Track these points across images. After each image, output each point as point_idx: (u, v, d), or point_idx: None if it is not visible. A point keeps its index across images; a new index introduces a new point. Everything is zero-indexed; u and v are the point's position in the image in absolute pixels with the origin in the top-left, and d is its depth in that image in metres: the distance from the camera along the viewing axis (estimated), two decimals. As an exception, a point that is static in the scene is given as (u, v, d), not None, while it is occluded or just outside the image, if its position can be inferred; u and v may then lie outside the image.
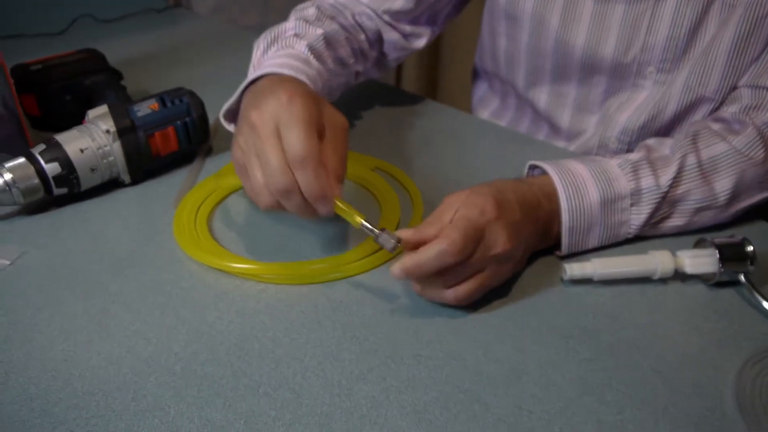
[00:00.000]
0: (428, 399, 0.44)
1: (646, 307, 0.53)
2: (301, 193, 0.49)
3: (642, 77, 0.71)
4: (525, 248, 0.54)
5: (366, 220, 0.51)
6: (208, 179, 0.67)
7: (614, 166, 0.57)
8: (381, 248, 0.53)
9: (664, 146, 0.60)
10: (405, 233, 0.50)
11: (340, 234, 0.61)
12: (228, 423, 0.42)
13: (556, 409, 0.44)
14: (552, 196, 0.56)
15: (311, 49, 0.66)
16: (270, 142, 0.49)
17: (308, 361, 0.47)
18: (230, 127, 0.65)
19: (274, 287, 0.54)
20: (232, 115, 0.65)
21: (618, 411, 0.44)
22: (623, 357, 0.48)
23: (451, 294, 0.50)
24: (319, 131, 0.50)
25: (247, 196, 0.54)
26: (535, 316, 0.52)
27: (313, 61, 0.65)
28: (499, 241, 0.50)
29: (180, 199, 0.64)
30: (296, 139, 0.48)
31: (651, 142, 0.63)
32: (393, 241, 0.50)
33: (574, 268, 0.54)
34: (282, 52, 0.65)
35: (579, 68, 0.73)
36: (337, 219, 0.53)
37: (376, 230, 0.51)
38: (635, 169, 0.57)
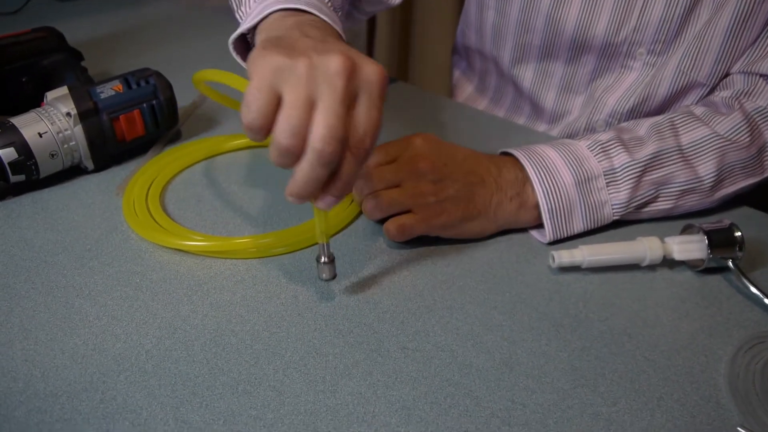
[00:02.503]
0: (417, 394, 0.42)
1: (635, 294, 0.52)
2: (325, 161, 0.40)
3: (632, 58, 0.69)
4: (467, 201, 0.54)
5: (328, 244, 0.49)
6: (160, 155, 0.65)
7: (583, 147, 0.57)
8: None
9: (639, 127, 0.60)
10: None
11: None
12: (206, 424, 0.40)
13: (549, 401, 0.42)
14: (522, 170, 0.56)
15: None
16: (345, 98, 0.40)
17: (290, 356, 0.45)
18: (242, 62, 0.56)
19: (250, 279, 0.51)
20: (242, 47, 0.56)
21: (613, 402, 0.42)
22: (615, 345, 0.47)
23: (389, 224, 0.53)
24: None
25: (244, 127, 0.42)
26: (523, 305, 0.50)
27: (328, 10, 0.53)
28: (419, 153, 0.53)
29: (125, 186, 0.60)
30: (378, 114, 0.41)
31: (624, 123, 0.62)
32: (329, 276, 0.51)
33: (562, 256, 0.52)
34: None
35: (568, 46, 0.71)
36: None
37: (325, 257, 0.49)
38: (605, 149, 0.56)
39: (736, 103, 0.60)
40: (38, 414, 0.40)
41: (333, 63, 0.39)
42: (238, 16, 0.58)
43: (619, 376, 0.44)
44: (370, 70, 0.41)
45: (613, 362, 0.45)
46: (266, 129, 0.40)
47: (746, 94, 0.61)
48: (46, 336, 0.45)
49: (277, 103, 0.40)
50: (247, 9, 0.54)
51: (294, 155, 0.40)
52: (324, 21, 0.49)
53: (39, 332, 0.46)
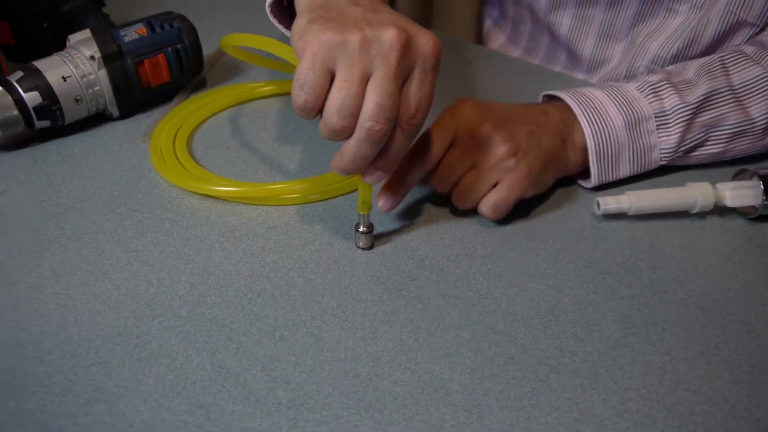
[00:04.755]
0: (461, 341, 0.41)
1: (684, 242, 0.49)
2: (373, 140, 0.39)
3: (677, 1, 0.65)
4: (538, 149, 0.50)
5: (368, 215, 0.47)
6: (186, 102, 0.63)
7: (632, 89, 0.54)
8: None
9: (687, 70, 0.56)
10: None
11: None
12: (243, 369, 0.38)
13: (599, 350, 0.41)
14: (568, 111, 0.53)
15: None
16: (398, 74, 0.39)
17: (327, 302, 0.43)
18: (279, 26, 0.56)
19: (283, 225, 0.50)
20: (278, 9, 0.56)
21: (666, 351, 0.41)
22: (666, 294, 0.45)
23: (482, 208, 0.49)
24: None
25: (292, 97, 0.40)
26: (567, 252, 0.48)
27: None
28: (473, 123, 0.49)
29: (151, 132, 0.59)
30: (431, 88, 0.40)
31: (671, 67, 0.59)
32: (364, 245, 0.48)
33: (608, 202, 0.50)
34: None
35: None
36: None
37: (364, 226, 0.47)
38: (656, 91, 0.54)
39: (791, 42, 0.57)
40: (73, 358, 0.39)
41: (387, 37, 0.38)
42: None
43: (671, 325, 0.42)
44: (425, 43, 0.39)
45: (665, 311, 0.43)
46: (319, 108, 0.40)
47: None
48: (77, 281, 0.44)
49: (329, 80, 0.39)
50: None
51: (345, 134, 0.40)
52: None
53: (70, 277, 0.44)
